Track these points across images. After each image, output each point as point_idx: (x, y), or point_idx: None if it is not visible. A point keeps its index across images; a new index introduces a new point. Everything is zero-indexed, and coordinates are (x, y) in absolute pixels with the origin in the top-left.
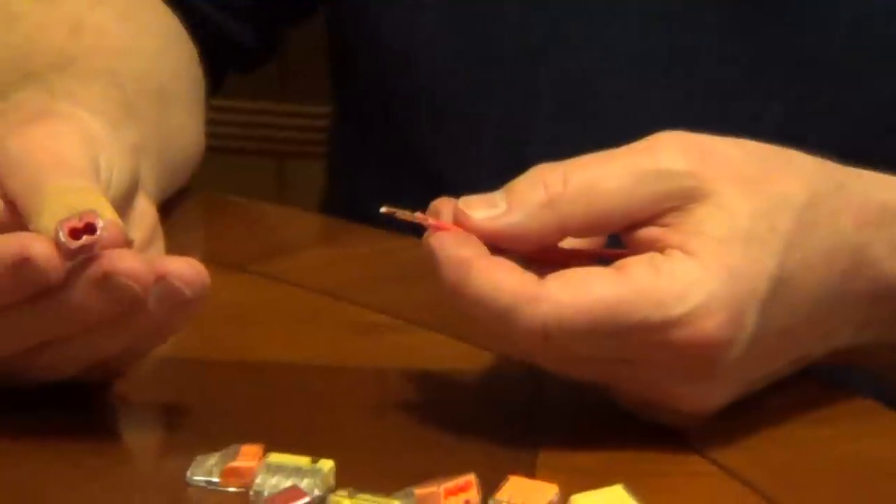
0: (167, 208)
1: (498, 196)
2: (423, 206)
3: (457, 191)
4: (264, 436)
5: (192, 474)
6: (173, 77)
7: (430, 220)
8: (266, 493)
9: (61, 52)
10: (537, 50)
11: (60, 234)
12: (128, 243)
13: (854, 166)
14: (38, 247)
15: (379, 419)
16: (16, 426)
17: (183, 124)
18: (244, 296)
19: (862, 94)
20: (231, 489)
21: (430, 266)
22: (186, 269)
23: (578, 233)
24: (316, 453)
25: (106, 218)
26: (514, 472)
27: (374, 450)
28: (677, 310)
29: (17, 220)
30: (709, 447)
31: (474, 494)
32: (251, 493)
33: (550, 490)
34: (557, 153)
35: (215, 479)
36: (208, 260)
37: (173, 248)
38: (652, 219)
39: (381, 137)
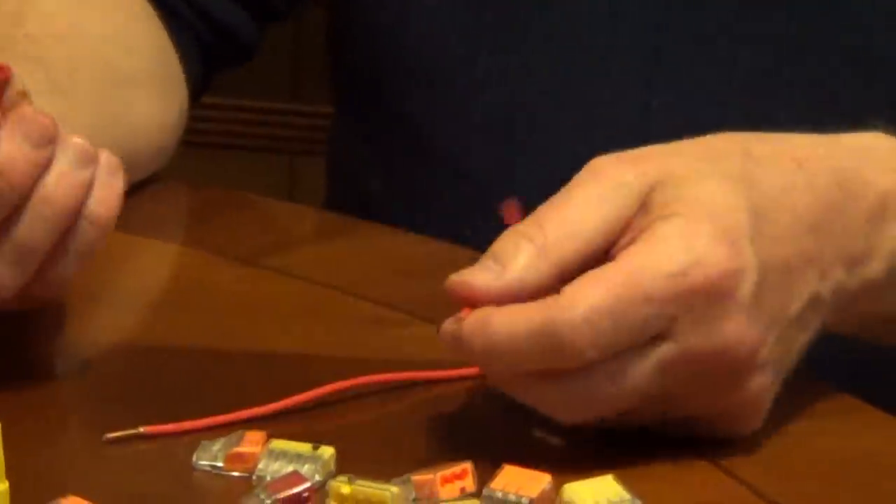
0: (179, 204)
1: (487, 261)
2: (421, 182)
3: (450, 161)
4: (267, 423)
5: (198, 459)
6: (127, 59)
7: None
8: (268, 478)
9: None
10: (522, 14)
11: None
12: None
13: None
14: None
15: (379, 408)
16: (27, 410)
17: (138, 105)
18: (253, 289)
19: (837, 38)
20: (235, 474)
21: (452, 348)
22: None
23: (573, 272)
24: (317, 440)
25: None
26: (509, 462)
27: (373, 438)
28: (686, 256)
29: None
30: (698, 441)
31: (470, 482)
32: (254, 477)
33: (543, 479)
34: (545, 115)
35: (220, 464)
36: (219, 254)
37: (186, 241)
38: (623, 232)
39: (377, 116)
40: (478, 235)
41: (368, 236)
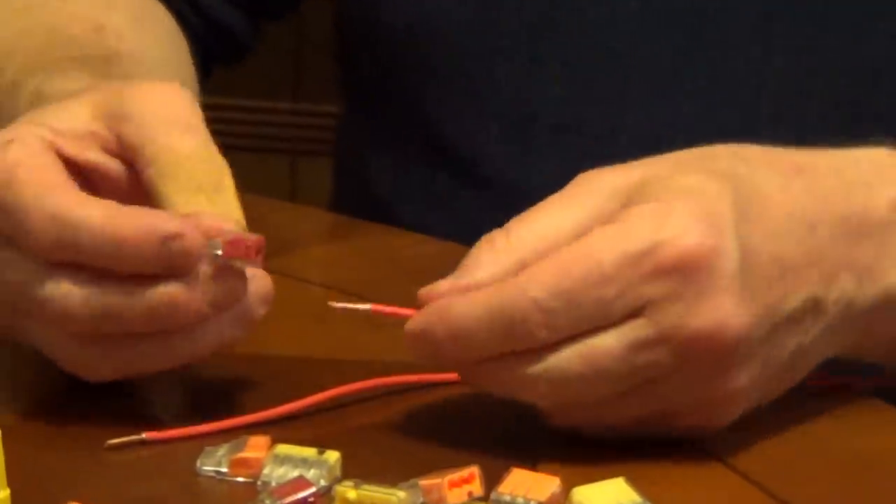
0: None
1: (454, 273)
2: (434, 183)
3: (465, 161)
4: (272, 427)
5: (202, 464)
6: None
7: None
8: (273, 484)
9: (93, 44)
10: (541, 15)
11: (216, 248)
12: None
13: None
14: (193, 232)
15: (385, 412)
16: (28, 416)
17: None
18: None
19: (862, 45)
20: (239, 479)
21: (416, 347)
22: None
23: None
24: (322, 445)
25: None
26: (517, 465)
27: (379, 442)
28: (653, 235)
29: (138, 186)
30: (708, 442)
31: (477, 486)
32: (259, 483)
33: (552, 483)
34: (563, 116)
35: (224, 469)
36: None
37: None
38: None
39: (389, 116)
40: None
41: (371, 237)
